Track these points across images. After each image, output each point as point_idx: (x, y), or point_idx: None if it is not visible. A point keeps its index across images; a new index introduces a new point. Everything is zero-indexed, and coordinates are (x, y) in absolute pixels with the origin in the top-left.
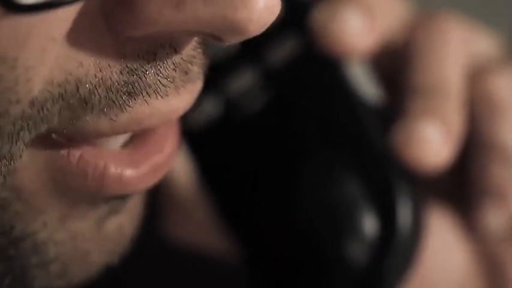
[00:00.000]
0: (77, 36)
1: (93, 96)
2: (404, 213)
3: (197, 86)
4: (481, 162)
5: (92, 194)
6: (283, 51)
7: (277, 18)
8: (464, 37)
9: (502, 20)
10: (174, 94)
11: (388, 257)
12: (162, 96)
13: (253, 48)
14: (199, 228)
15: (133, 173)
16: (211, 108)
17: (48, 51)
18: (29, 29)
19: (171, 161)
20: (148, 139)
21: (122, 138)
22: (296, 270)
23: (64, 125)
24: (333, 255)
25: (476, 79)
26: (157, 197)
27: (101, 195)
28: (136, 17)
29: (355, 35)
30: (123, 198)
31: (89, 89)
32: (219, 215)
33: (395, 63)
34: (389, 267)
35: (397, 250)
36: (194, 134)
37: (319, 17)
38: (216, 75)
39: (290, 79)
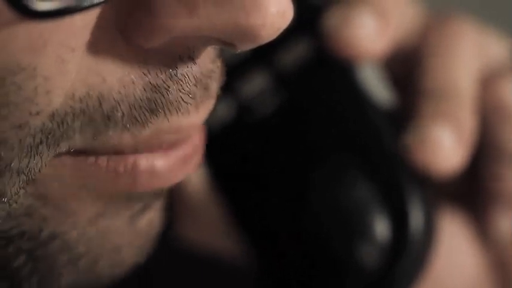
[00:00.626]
0: (96, 48)
1: (116, 112)
2: (416, 217)
3: (213, 99)
4: (492, 168)
5: (124, 193)
6: (295, 55)
7: (290, 21)
8: (477, 41)
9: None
10: (194, 111)
11: (400, 260)
12: (183, 113)
13: (265, 52)
14: (211, 231)
15: (164, 163)
16: (224, 111)
17: (68, 62)
18: (46, 36)
19: (200, 153)
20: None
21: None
22: (307, 273)
23: (86, 141)
24: (344, 259)
25: (488, 84)
26: (170, 200)
27: (134, 192)
28: (150, 25)
29: (368, 38)
30: (156, 194)
31: (112, 105)
32: (230, 218)
33: (407, 66)
34: (401, 270)
35: (409, 254)
36: (206, 136)
37: (331, 20)
38: (228, 78)
39: (302, 82)
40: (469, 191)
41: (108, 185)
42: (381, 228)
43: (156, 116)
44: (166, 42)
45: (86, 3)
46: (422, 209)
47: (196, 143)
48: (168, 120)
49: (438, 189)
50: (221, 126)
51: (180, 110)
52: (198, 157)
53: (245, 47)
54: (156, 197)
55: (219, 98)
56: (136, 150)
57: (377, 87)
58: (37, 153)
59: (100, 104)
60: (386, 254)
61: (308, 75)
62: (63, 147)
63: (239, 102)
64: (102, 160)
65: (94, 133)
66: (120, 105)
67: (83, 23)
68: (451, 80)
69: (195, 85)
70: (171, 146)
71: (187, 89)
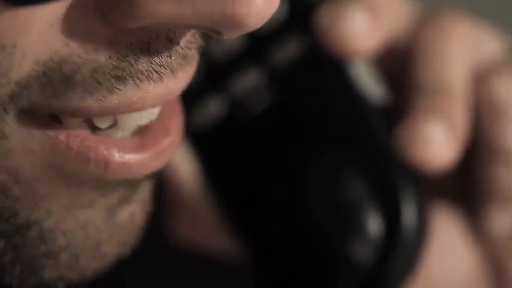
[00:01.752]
0: (69, 22)
1: (76, 75)
2: (409, 214)
3: (193, 65)
4: (486, 165)
5: (96, 180)
6: (288, 52)
7: (282, 18)
8: (470, 37)
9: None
10: (171, 77)
11: (393, 257)
12: (155, 81)
13: (258, 49)
14: (205, 229)
15: (137, 156)
16: (216, 108)
17: (45, 37)
18: (28, 18)
19: (176, 146)
20: (153, 125)
21: (127, 131)
22: (301, 270)
23: (45, 100)
24: (338, 255)
25: (481, 79)
26: (163, 197)
27: (105, 181)
28: (133, 10)
29: (360, 35)
30: (131, 185)
31: (72, 67)
32: (224, 216)
33: (399, 63)
34: (394, 267)
35: (402, 251)
36: (199, 134)
37: (323, 17)
38: (220, 75)
39: (295, 79)
40: (462, 188)
41: (78, 167)
42: (374, 225)
43: (123, 84)
44: (146, 26)
45: None
46: (416, 206)
47: (174, 137)
48: (138, 87)
49: (432, 186)
50: (214, 123)
51: (151, 79)
52: (174, 150)
53: (231, 35)
54: (132, 188)
55: (212, 95)
56: (102, 114)
57: (370, 83)
58: (3, 115)
59: (60, 66)
60: (380, 250)
61: (301, 72)
62: (23, 103)
63: (232, 100)
64: (73, 141)
65: (54, 93)
66: (81, 68)
67: (61, 4)
68: (444, 76)
69: (169, 56)
70: (149, 131)
71: (159, 60)
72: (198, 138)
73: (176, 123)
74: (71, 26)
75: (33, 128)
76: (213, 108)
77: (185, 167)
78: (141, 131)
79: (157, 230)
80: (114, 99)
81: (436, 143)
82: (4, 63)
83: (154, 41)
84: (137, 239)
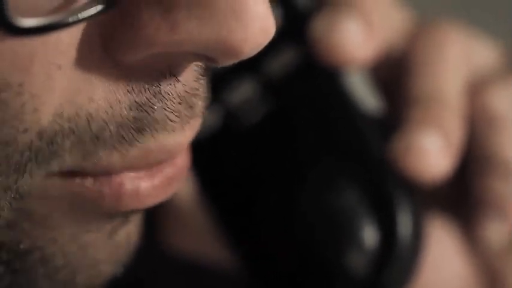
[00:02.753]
0: (82, 66)
1: (104, 132)
2: (404, 224)
3: (199, 122)
4: (481, 176)
5: (108, 212)
6: (282, 62)
7: (276, 28)
8: (464, 46)
9: (503, 28)
10: (180, 130)
11: (388, 267)
12: (168, 132)
13: (252, 59)
14: (199, 240)
15: (149, 185)
16: (211, 119)
17: (55, 79)
18: (32, 53)
19: (184, 173)
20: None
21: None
22: (296, 281)
23: (76, 161)
24: (333, 266)
25: (476, 90)
26: (158, 208)
27: (118, 212)
28: (132, 39)
29: (354, 45)
30: (139, 212)
31: (101, 125)
32: (219, 226)
33: (394, 72)
34: (389, 277)
35: (397, 260)
36: (193, 145)
37: (317, 26)
38: (215, 86)
39: (289, 89)
40: (457, 198)
41: (93, 205)
42: (370, 234)
43: (143, 135)
44: (148, 58)
45: (70, 20)
46: (411, 215)
47: (180, 165)
48: (154, 139)
49: (427, 197)
50: (209, 134)
51: (166, 129)
52: (182, 178)
53: (227, 62)
54: (136, 213)
55: (207, 106)
56: (123, 169)
57: (364, 93)
58: (26, 171)
59: (89, 123)
60: (375, 260)
61: (295, 82)
62: (54, 166)
63: (227, 110)
64: (89, 181)
65: (83, 153)
66: (108, 124)
67: (69, 40)
68: (438, 87)
69: (180, 103)
70: (157, 165)
71: (172, 107)
72: (193, 149)
73: (183, 152)
74: (84, 70)
75: (53, 179)
76: (208, 118)
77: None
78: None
79: (153, 239)
80: (133, 153)
81: (431, 153)
82: (14, 103)
83: (163, 81)
84: (131, 256)
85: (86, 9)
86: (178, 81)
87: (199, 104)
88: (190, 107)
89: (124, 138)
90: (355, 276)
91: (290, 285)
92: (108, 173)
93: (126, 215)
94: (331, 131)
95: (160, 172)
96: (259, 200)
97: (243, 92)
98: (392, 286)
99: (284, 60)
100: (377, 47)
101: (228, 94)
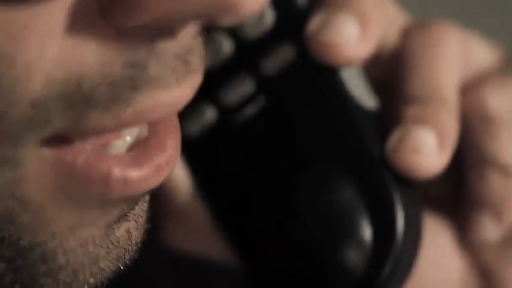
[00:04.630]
0: (75, 31)
1: (96, 93)
2: (401, 222)
3: (197, 79)
4: (476, 174)
5: (98, 199)
6: (278, 59)
7: (272, 25)
8: (461, 45)
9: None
10: (176, 85)
11: (386, 265)
12: (164, 88)
13: (248, 56)
14: (198, 238)
15: (137, 173)
16: (207, 116)
17: (47, 47)
18: (25, 22)
19: (174, 162)
20: (150, 141)
21: (125, 144)
22: (294, 278)
23: (69, 125)
24: (331, 264)
25: (472, 89)
26: (156, 207)
27: (107, 199)
28: (131, 5)
29: (349, 44)
30: (130, 202)
31: (92, 85)
32: (216, 225)
33: (388, 70)
34: (386, 275)
35: (395, 258)
36: (189, 142)
37: (313, 25)
38: (211, 82)
39: (285, 87)
40: (452, 196)
41: (82, 187)
42: (367, 232)
43: (137, 93)
44: (147, 21)
45: None
46: (408, 213)
47: (170, 153)
48: (148, 96)
49: (423, 195)
50: (205, 131)
51: (161, 85)
52: (172, 167)
53: (227, 21)
54: (130, 205)
55: (203, 102)
56: (120, 129)
57: (360, 90)
58: (22, 142)
59: (80, 86)
60: (372, 258)
61: (292, 80)
62: (46, 132)
63: (223, 107)
64: (78, 161)
65: (75, 116)
66: (100, 85)
67: (62, 6)
68: (434, 84)
69: (175, 60)
70: (145, 148)
71: (166, 63)
72: (189, 146)
73: (173, 139)
74: (80, 30)
75: (48, 150)
76: (204, 115)
77: (178, 173)
78: (138, 148)
79: (152, 236)
80: (128, 111)
81: (427, 151)
82: (7, 75)
83: (159, 39)
84: (133, 255)
85: None
86: (175, 39)
87: (196, 60)
88: (186, 63)
89: (117, 97)
90: (352, 274)
91: (288, 284)
92: (102, 134)
93: (117, 205)
94: (328, 129)
95: (150, 161)
96: (256, 197)
97: (239, 89)
98: (390, 284)
99: (280, 58)
100: (373, 45)
101: (225, 91)
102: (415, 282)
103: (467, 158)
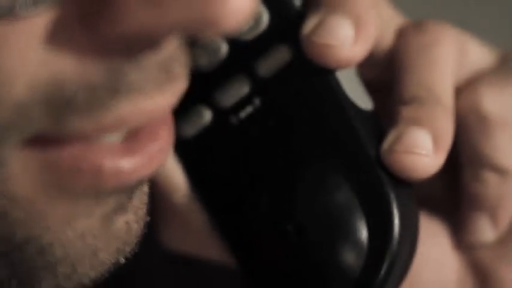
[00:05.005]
0: (56, 39)
1: (77, 97)
2: (397, 222)
3: (181, 86)
4: (471, 175)
5: (91, 190)
6: (273, 61)
7: (267, 26)
8: (457, 46)
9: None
10: (157, 93)
11: (381, 265)
12: (145, 95)
13: (244, 58)
14: (195, 239)
15: (129, 162)
16: (202, 117)
17: (29, 55)
18: (6, 35)
19: (166, 151)
20: (142, 131)
21: (116, 134)
22: (290, 278)
23: (50, 126)
24: (326, 265)
25: (467, 90)
26: (154, 208)
27: (100, 190)
28: (113, 17)
29: (345, 45)
30: (125, 192)
31: (73, 90)
32: (213, 226)
33: (384, 71)
34: (383, 276)
35: (390, 259)
36: (185, 143)
37: (308, 26)
38: (206, 84)
39: (281, 88)
40: (448, 196)
41: (73, 180)
42: (363, 232)
43: (117, 99)
44: (128, 31)
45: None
46: (404, 214)
47: (163, 141)
48: (131, 102)
49: (419, 195)
50: (201, 132)
51: (142, 92)
52: (164, 156)
53: (208, 35)
54: (126, 196)
55: (199, 103)
56: (99, 134)
57: (356, 91)
58: (6, 142)
59: (60, 90)
60: (368, 258)
61: (286, 80)
62: (29, 133)
63: (218, 108)
64: (65, 155)
65: (56, 119)
66: (80, 90)
67: (42, 21)
68: (430, 86)
69: (156, 68)
70: (136, 135)
71: (148, 71)
72: (185, 147)
73: (165, 130)
74: (60, 41)
75: (32, 150)
76: (200, 116)
77: (175, 174)
78: (130, 137)
79: (150, 235)
80: (108, 117)
81: (422, 151)
82: None
83: (140, 50)
84: (133, 247)
85: None
86: (156, 51)
87: (179, 68)
88: (169, 71)
89: (97, 103)
90: (349, 275)
91: (284, 284)
92: (83, 138)
93: (112, 194)
94: (323, 130)
95: (142, 149)
96: (252, 198)
97: (235, 90)
98: (387, 284)
99: (276, 60)
100: (368, 46)
101: (220, 93)
102: (412, 283)
103: (462, 159)
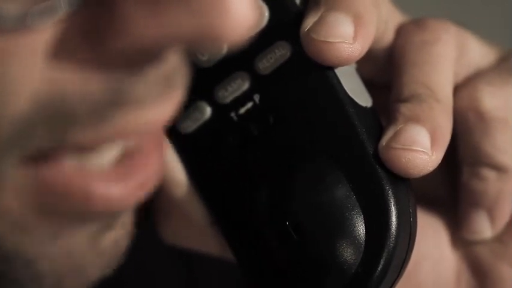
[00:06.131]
0: (59, 55)
1: (78, 111)
2: (394, 218)
3: (179, 95)
4: (470, 173)
5: (79, 213)
6: (273, 58)
7: (267, 24)
8: (456, 44)
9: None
10: (158, 104)
11: (379, 261)
12: (146, 107)
13: (243, 54)
14: (196, 234)
15: (119, 190)
16: (202, 113)
17: (32, 70)
18: (10, 46)
19: (157, 177)
20: (134, 156)
21: (107, 156)
22: (289, 273)
23: (51, 140)
24: (324, 260)
25: (466, 87)
26: (155, 203)
27: (88, 214)
28: (116, 32)
29: (344, 42)
30: (113, 216)
31: (74, 104)
32: (213, 220)
33: (383, 68)
34: (380, 271)
35: (387, 254)
36: (185, 139)
37: (308, 24)
38: (206, 80)
39: (280, 85)
40: (448, 194)
41: (63, 203)
42: (360, 228)
43: (119, 111)
44: (130, 44)
45: (45, 18)
46: (401, 210)
47: (153, 169)
48: (131, 114)
49: (417, 192)
50: (200, 128)
51: (142, 104)
52: (153, 183)
53: (211, 48)
54: (114, 217)
55: (198, 99)
56: (97, 145)
57: (355, 88)
58: (6, 156)
59: (62, 103)
60: (365, 254)
61: (287, 77)
62: (28, 149)
63: (218, 104)
64: (58, 176)
65: (57, 131)
66: (81, 103)
67: (44, 36)
68: (429, 83)
69: (158, 80)
70: (129, 161)
71: (149, 84)
72: (184, 142)
73: (157, 155)
74: (63, 56)
75: (27, 169)
76: (199, 112)
77: (175, 169)
78: (122, 160)
79: (151, 229)
80: (108, 129)
81: (420, 148)
82: None
83: (142, 62)
84: (120, 260)
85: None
86: (158, 61)
87: (178, 79)
88: (169, 82)
89: (99, 114)
90: (346, 270)
91: (281, 279)
92: (83, 148)
93: (99, 217)
94: (322, 127)
95: (132, 176)
96: (250, 193)
97: (234, 87)
98: (384, 280)
99: (275, 56)
100: (367, 43)
101: (219, 89)
102: (410, 279)
103: (461, 156)
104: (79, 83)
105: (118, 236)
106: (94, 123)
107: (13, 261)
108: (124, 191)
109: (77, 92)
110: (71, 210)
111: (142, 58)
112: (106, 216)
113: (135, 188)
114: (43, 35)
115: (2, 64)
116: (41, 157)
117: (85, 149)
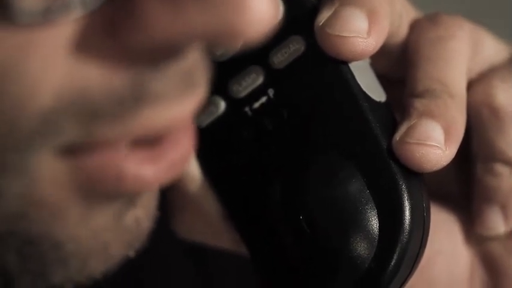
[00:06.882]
0: (81, 48)
1: (102, 106)
2: (407, 213)
3: (202, 92)
4: (484, 169)
5: (113, 194)
6: (287, 52)
7: (282, 18)
8: (470, 40)
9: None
10: (180, 101)
11: (392, 256)
12: (168, 103)
13: (258, 49)
14: (210, 228)
15: (151, 170)
16: (217, 108)
17: (54, 64)
18: (32, 41)
19: (187, 158)
20: (165, 137)
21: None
22: (301, 267)
23: (79, 135)
24: (337, 254)
25: (480, 83)
26: (169, 198)
27: (120, 195)
28: (137, 28)
29: (358, 37)
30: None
31: (98, 99)
32: (226, 214)
33: (398, 63)
34: (393, 266)
35: (401, 249)
36: (200, 133)
37: (322, 18)
38: (221, 74)
39: (294, 79)
40: (461, 190)
41: (97, 187)
42: (374, 223)
43: (143, 107)
44: (151, 40)
45: (69, 12)
46: (414, 205)
47: (184, 149)
48: (154, 110)
49: (431, 187)
50: (215, 122)
51: (165, 100)
52: (185, 162)
53: (229, 47)
54: (140, 196)
55: (213, 94)
56: (125, 142)
57: (370, 82)
58: (33, 153)
59: (86, 99)
60: (379, 248)
61: (301, 71)
62: (58, 141)
63: (233, 99)
64: (91, 162)
65: (83, 127)
66: (105, 99)
67: (66, 30)
68: (443, 79)
69: (180, 76)
70: (160, 141)
71: (172, 79)
72: (199, 137)
73: (187, 137)
74: (85, 51)
75: (63, 158)
76: (214, 107)
77: (191, 165)
78: (153, 144)
79: (165, 225)
80: (134, 125)
81: (434, 143)
82: (15, 90)
83: (163, 58)
84: (143, 242)
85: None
86: (179, 58)
87: (199, 76)
88: (191, 79)
89: (123, 111)
90: (359, 264)
91: (295, 273)
92: (109, 145)
93: (130, 197)
94: (336, 121)
95: (164, 156)
96: (265, 188)
97: (249, 81)
98: (397, 274)
99: (290, 51)
100: (382, 38)
101: (234, 83)
102: (423, 274)
103: (475, 151)
104: (101, 78)
105: (140, 214)
106: (119, 120)
107: (40, 243)
108: (156, 172)
109: (100, 87)
110: (105, 192)
111: (163, 54)
112: (136, 196)
113: (167, 168)
114: (65, 30)
115: (24, 58)
116: (78, 149)
117: (115, 143)
